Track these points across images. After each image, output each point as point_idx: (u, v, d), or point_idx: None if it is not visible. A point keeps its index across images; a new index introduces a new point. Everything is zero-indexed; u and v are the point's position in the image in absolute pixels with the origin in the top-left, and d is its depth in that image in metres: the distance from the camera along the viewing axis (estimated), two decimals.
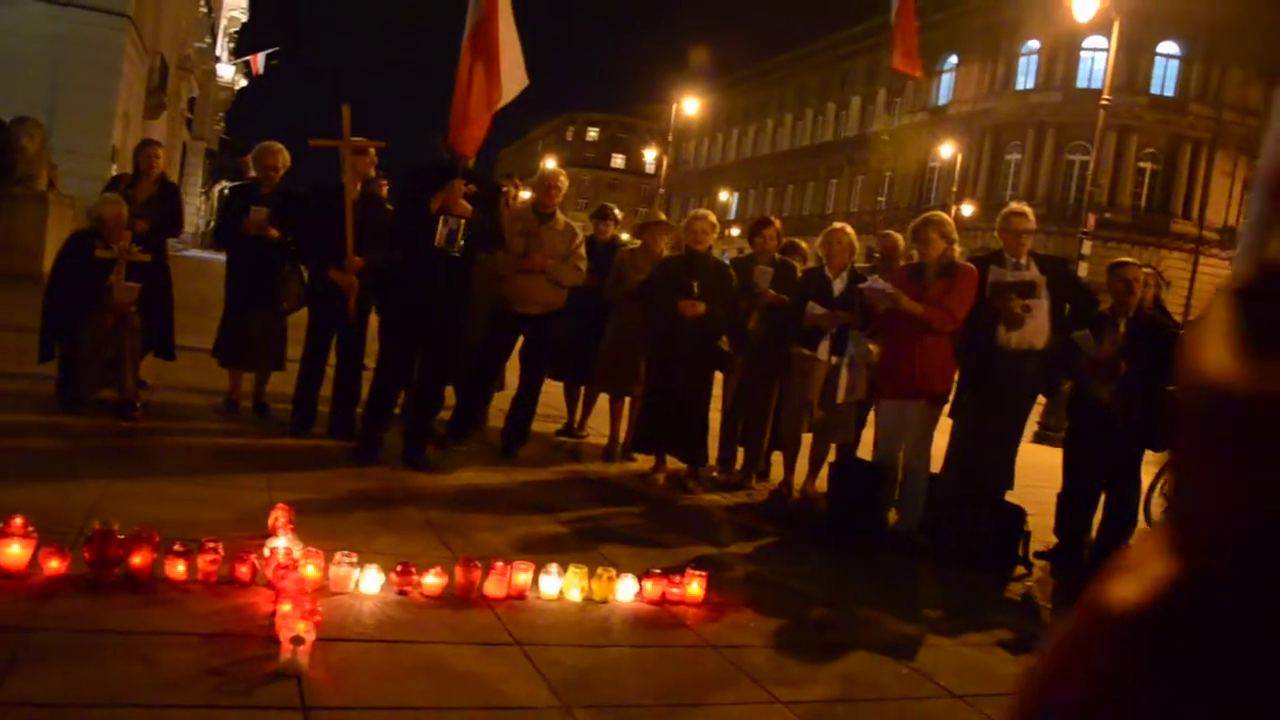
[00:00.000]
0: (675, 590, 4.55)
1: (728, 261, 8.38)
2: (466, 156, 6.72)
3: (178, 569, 3.79)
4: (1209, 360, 0.40)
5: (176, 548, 3.83)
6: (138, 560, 3.73)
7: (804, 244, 8.81)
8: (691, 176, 69.45)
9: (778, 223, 8.08)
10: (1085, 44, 39.41)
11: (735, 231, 48.21)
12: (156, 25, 26.36)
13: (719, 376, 7.75)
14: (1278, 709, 0.37)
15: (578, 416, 8.76)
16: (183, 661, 3.14)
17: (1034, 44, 42.48)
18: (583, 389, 8.65)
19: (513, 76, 6.92)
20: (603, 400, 8.43)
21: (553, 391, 8.64)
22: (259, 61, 48.02)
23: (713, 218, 7.59)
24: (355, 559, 4.05)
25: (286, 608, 3.40)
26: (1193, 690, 0.38)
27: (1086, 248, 18.32)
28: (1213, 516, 0.41)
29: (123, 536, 3.75)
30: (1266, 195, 0.48)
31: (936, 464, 6.78)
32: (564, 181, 7.76)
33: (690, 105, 47.46)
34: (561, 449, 8.18)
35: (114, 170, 19.43)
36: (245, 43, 52.48)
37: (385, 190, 8.08)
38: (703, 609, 4.52)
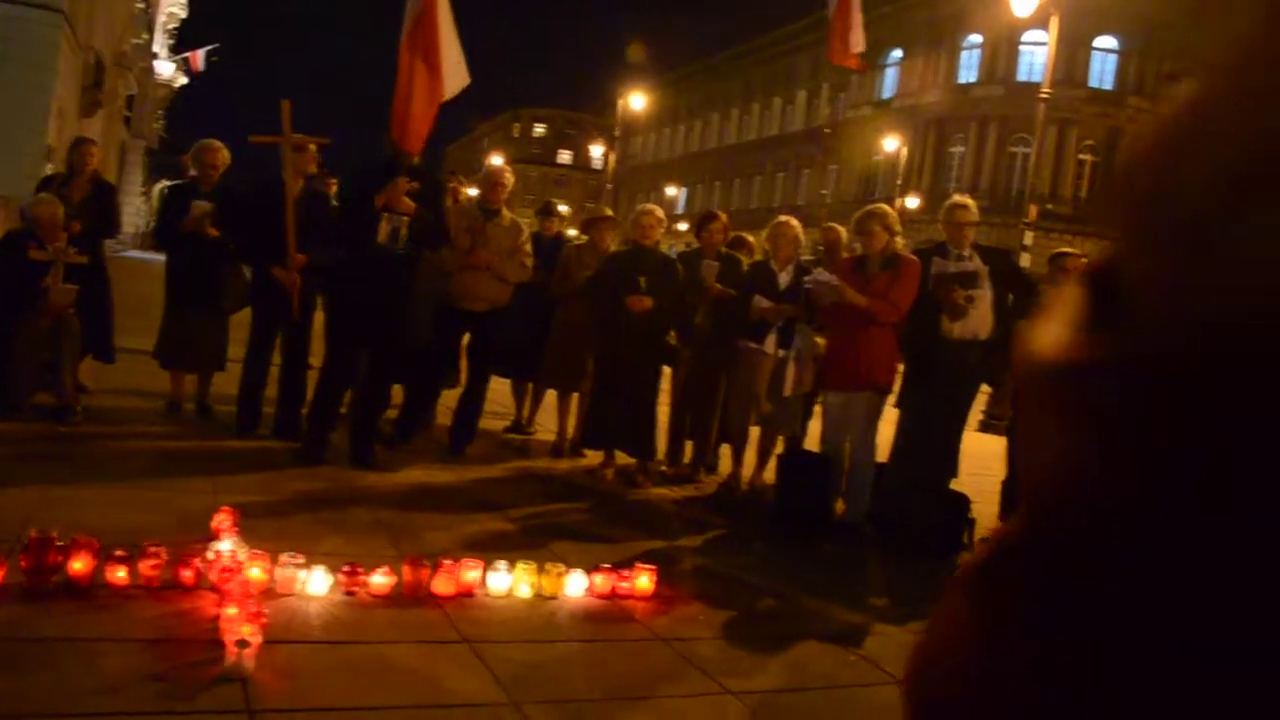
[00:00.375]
0: (624, 584, 4.56)
1: (674, 256, 8.40)
2: (410, 153, 6.67)
3: (119, 574, 3.74)
4: (1043, 336, 0.43)
5: (117, 553, 3.77)
6: (77, 566, 3.67)
7: (751, 238, 8.86)
8: (639, 171, 69.44)
9: (724, 217, 8.12)
10: (1025, 38, 39.95)
11: (683, 226, 48.28)
12: (91, 20, 25.79)
13: (667, 371, 7.78)
14: (1059, 666, 0.40)
15: (525, 413, 8.74)
16: (126, 668, 3.10)
17: (976, 38, 43.00)
18: (530, 386, 8.64)
19: (454, 73, 6.89)
20: (550, 396, 8.42)
21: (500, 388, 8.62)
22: (199, 59, 47.22)
23: (659, 212, 7.61)
24: (302, 560, 4.02)
25: (231, 611, 3.36)
26: (1003, 639, 0.41)
27: (1028, 238, 18.62)
28: (1027, 479, 0.45)
29: (61, 543, 3.69)
30: None
31: (882, 454, 6.86)
32: (509, 178, 7.74)
33: (637, 100, 47.44)
34: (510, 446, 8.16)
35: (49, 169, 19.02)
36: (185, 39, 51.58)
37: (332, 188, 8.00)
38: (652, 602, 4.55)
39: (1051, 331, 0.43)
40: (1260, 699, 0.36)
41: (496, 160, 11.01)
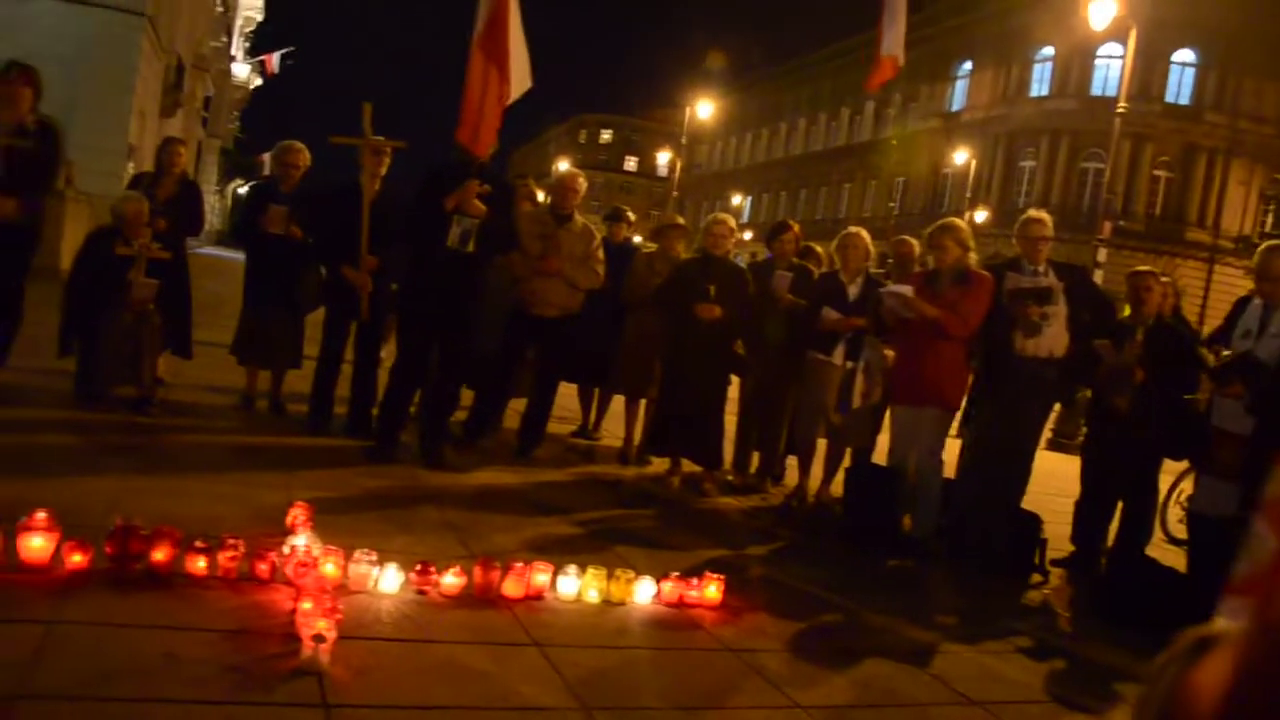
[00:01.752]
0: (692, 593, 4.55)
1: (743, 265, 8.38)
2: (480, 157, 6.72)
3: (199, 565, 3.81)
4: None
5: (197, 544, 3.84)
6: (159, 555, 3.74)
7: (819, 248, 8.80)
8: (704, 180, 69.43)
9: (796, 227, 8.08)
10: (1100, 51, 39.26)
11: (748, 235, 48.17)
12: (173, 24, 26.46)
13: (734, 380, 7.75)
14: None
15: (592, 419, 8.76)
16: (205, 657, 3.15)
17: (1048, 50, 42.34)
18: (597, 391, 8.66)
19: (520, 76, 6.93)
20: (617, 402, 8.43)
21: (567, 393, 8.66)
22: (274, 61, 48.19)
23: (731, 221, 7.60)
24: (374, 557, 4.06)
25: (307, 605, 3.40)
26: None
27: (1102, 255, 18.27)
28: None
29: (145, 532, 3.77)
30: None
31: (950, 470, 6.77)
32: (582, 183, 7.78)
33: (704, 109, 47.44)
34: (576, 450, 8.19)
35: (131, 168, 19.52)
36: (260, 42, 52.67)
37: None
38: (719, 612, 4.52)
39: None
40: None
41: (566, 166, 11.03)
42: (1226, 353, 5.92)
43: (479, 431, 7.46)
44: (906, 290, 6.39)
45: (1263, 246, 6.14)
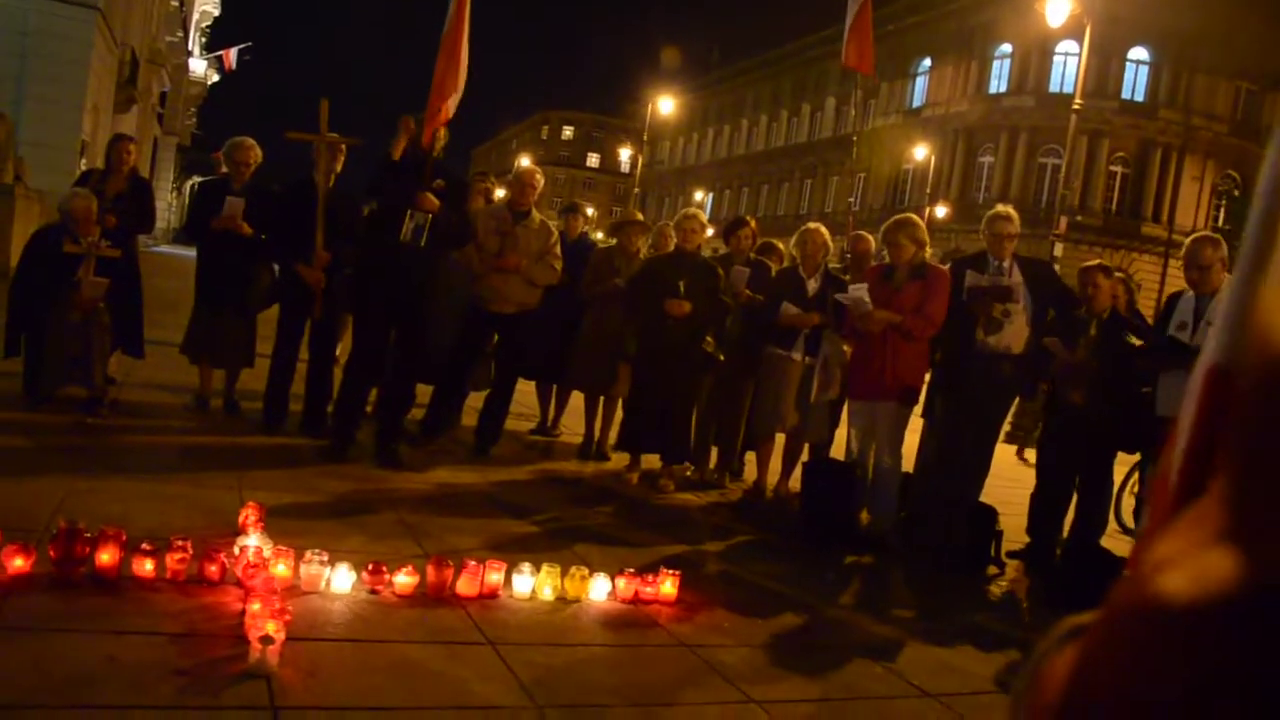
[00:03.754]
0: (648, 589, 4.53)
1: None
2: (424, 146, 6.63)
3: (145, 567, 3.74)
4: None
5: (144, 546, 3.78)
6: (104, 558, 3.68)
7: (779, 244, 8.81)
8: (666, 176, 69.45)
9: (753, 223, 8.10)
10: (1057, 49, 39.74)
11: (709, 231, 48.24)
12: (126, 18, 26.06)
13: None
14: None
15: (550, 415, 8.73)
16: (150, 661, 3.10)
17: (1007, 48, 42.75)
18: (555, 388, 8.62)
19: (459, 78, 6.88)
20: (577, 399, 8.40)
21: (526, 390, 8.62)
22: (231, 57, 47.59)
23: (703, 217, 7.58)
24: (326, 558, 4.02)
25: (256, 607, 3.36)
26: (1256, 691, 0.36)
27: (1058, 250, 18.49)
28: None
29: (89, 534, 3.70)
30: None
31: (908, 464, 6.81)
32: (540, 179, 7.74)
33: (665, 105, 47.50)
34: (534, 448, 8.15)
35: (83, 164, 19.20)
36: (218, 37, 51.99)
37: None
38: (676, 608, 4.51)
39: None
40: None
41: (526, 162, 10.97)
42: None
43: (436, 429, 7.41)
44: (864, 298, 6.38)
45: (1191, 237, 6.26)
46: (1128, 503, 8.23)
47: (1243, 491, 0.39)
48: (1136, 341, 5.99)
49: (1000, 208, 6.97)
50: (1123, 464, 6.87)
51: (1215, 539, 0.38)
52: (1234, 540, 0.37)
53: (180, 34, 40.66)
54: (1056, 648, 0.50)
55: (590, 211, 9.22)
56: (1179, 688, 0.36)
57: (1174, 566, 0.38)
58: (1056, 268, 17.59)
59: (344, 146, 7.18)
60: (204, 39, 50.59)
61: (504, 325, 7.42)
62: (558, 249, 7.52)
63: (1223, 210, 39.36)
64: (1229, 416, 0.44)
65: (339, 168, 7.19)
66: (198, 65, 47.98)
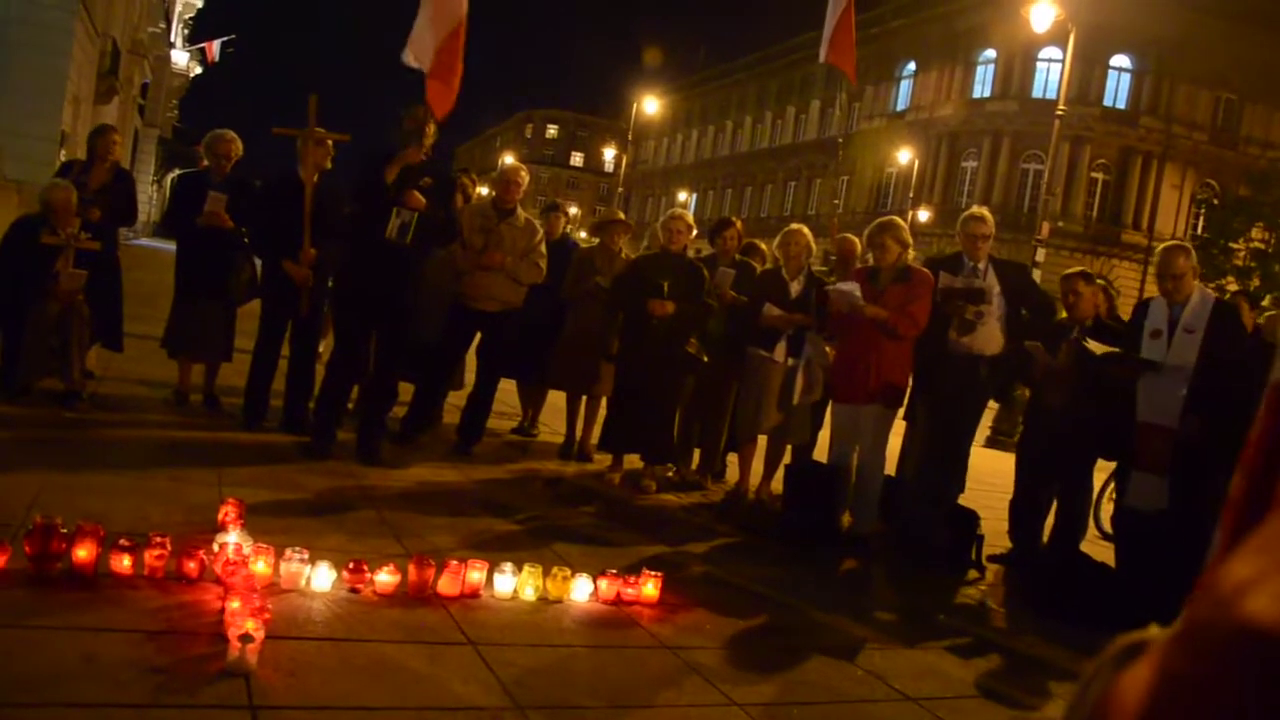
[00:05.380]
0: (630, 590, 4.52)
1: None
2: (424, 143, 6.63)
3: (123, 564, 3.71)
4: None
5: (122, 542, 3.74)
6: (81, 554, 3.64)
7: (764, 245, 8.81)
8: (650, 176, 69.47)
9: (739, 223, 8.08)
10: (1041, 55, 39.94)
11: (694, 232, 48.26)
12: (108, 8, 25.82)
13: None
14: None
15: (528, 415, 8.70)
16: (127, 658, 3.07)
17: (991, 53, 42.98)
18: (536, 388, 8.59)
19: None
20: (558, 398, 8.38)
21: (508, 390, 8.59)
22: (214, 49, 47.24)
23: (689, 218, 7.55)
24: (306, 555, 3.99)
25: (235, 604, 3.33)
26: None
27: (1040, 255, 18.54)
28: None
29: (66, 530, 3.66)
30: None
31: (891, 467, 6.82)
32: (524, 177, 7.71)
33: (650, 105, 47.50)
34: (516, 447, 8.12)
35: (63, 155, 19.03)
36: (201, 29, 51.61)
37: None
38: (657, 609, 4.50)
39: None
40: None
41: (510, 159, 10.93)
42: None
43: (417, 426, 7.38)
44: (855, 290, 6.41)
45: (1161, 246, 6.30)
46: (1107, 508, 8.27)
47: None
48: (1098, 350, 6.01)
49: (975, 209, 7.01)
50: (1102, 469, 6.90)
51: None
52: None
53: (163, 25, 40.36)
54: (1111, 669, 0.49)
55: (573, 210, 9.19)
56: (1275, 714, 0.35)
57: (1259, 588, 0.38)
58: (1038, 274, 17.70)
59: (332, 143, 7.13)
60: (187, 30, 50.24)
61: (487, 323, 7.39)
62: (542, 247, 7.50)
63: (1201, 219, 39.67)
64: None
65: (329, 164, 7.14)
66: (180, 57, 47.59)
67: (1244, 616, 0.38)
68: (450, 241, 6.98)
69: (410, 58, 6.81)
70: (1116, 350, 5.97)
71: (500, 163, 8.63)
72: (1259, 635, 0.37)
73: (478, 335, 7.54)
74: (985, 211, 7.00)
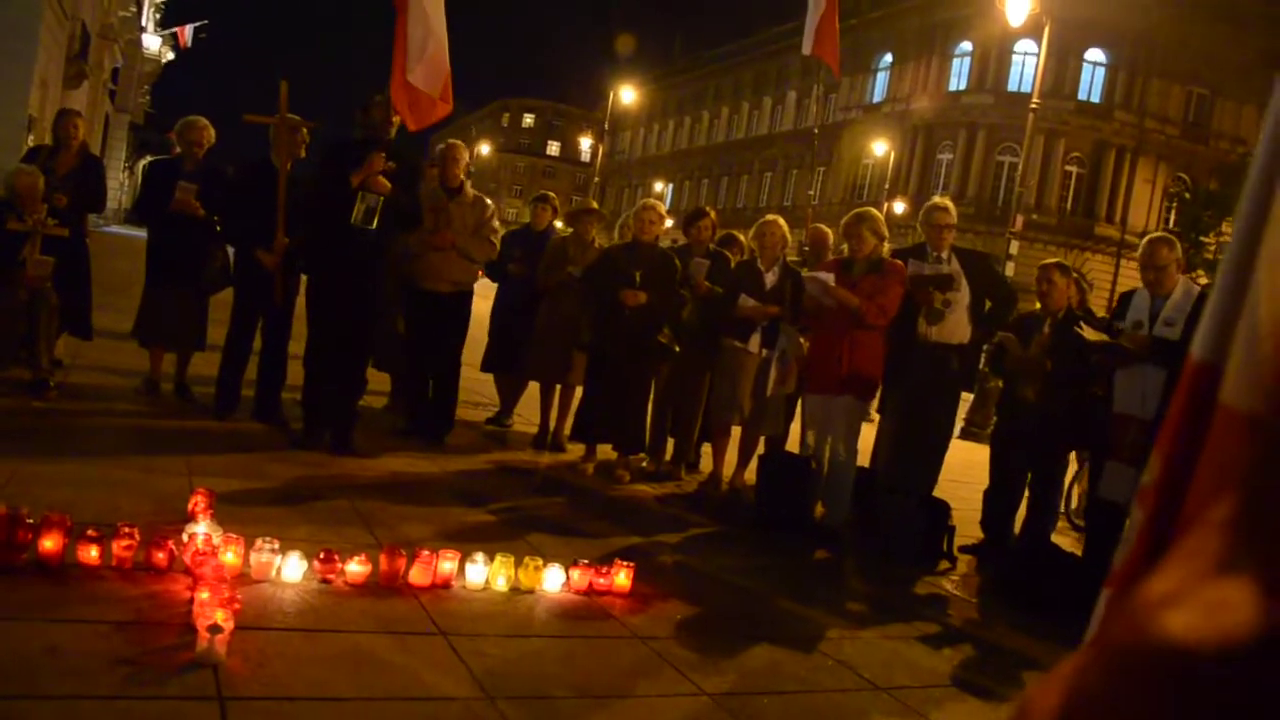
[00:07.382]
0: (602, 580, 4.52)
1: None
2: (389, 129, 6.59)
3: (91, 554, 3.67)
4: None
5: (90, 532, 3.70)
6: (48, 544, 3.60)
7: (741, 236, 8.81)
8: (627, 166, 69.34)
9: (713, 214, 8.07)
10: (1016, 48, 40.14)
11: (669, 222, 48.25)
12: None
13: None
14: None
15: (505, 405, 8.67)
16: (93, 651, 3.04)
17: (967, 45, 43.15)
18: (511, 378, 8.55)
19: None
20: (533, 388, 8.35)
21: (484, 380, 8.56)
22: (186, 34, 46.72)
23: (661, 208, 7.55)
24: (277, 546, 3.96)
25: (204, 595, 3.31)
26: None
27: (1014, 248, 18.70)
28: None
29: (32, 520, 3.62)
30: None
31: (864, 458, 6.84)
32: (464, 152, 7.62)
33: (627, 95, 47.43)
34: (491, 437, 8.10)
35: (30, 140, 18.78)
36: (172, 14, 51.01)
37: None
38: (630, 599, 4.51)
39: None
40: None
41: (488, 149, 10.88)
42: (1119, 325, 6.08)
43: (441, 429, 7.33)
44: (828, 278, 6.44)
45: (1146, 239, 6.35)
46: (1076, 498, 8.35)
47: (1254, 520, 0.37)
48: (1091, 336, 6.04)
49: (937, 199, 7.07)
50: (1074, 461, 6.96)
51: (1219, 570, 0.37)
52: (1242, 572, 0.36)
53: (134, 9, 39.84)
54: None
55: (557, 201, 9.13)
56: None
57: (1178, 603, 0.37)
58: (1012, 266, 17.82)
59: (305, 130, 7.07)
60: (158, 15, 49.63)
61: (442, 305, 7.32)
62: (495, 223, 7.44)
63: (1173, 212, 40.03)
64: (1236, 446, 0.42)
65: (302, 152, 7.07)
66: (152, 42, 47.01)
67: (1163, 634, 0.37)
68: (415, 226, 6.90)
69: (419, 78, 6.75)
70: (1108, 339, 6.00)
71: (476, 152, 8.59)
72: (1177, 655, 0.36)
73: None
74: (948, 201, 7.08)
